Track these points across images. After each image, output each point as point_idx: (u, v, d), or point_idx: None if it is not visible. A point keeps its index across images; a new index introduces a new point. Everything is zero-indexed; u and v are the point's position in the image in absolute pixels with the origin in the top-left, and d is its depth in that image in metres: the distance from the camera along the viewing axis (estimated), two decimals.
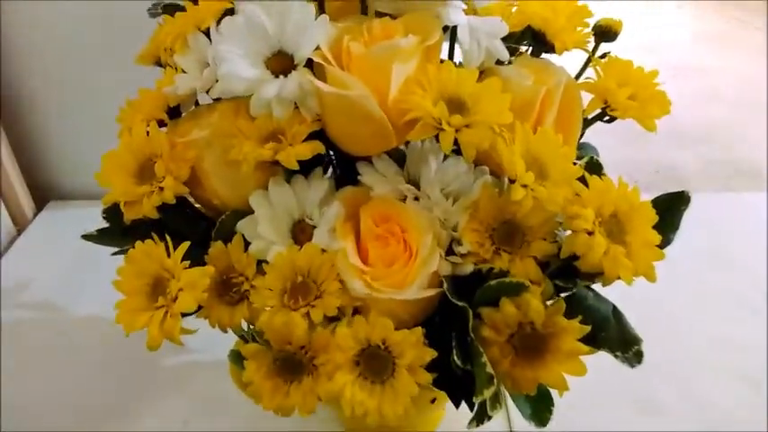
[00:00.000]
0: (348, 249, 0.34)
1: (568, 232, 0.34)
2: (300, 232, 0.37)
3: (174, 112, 0.40)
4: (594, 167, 0.37)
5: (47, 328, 0.66)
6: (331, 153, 0.39)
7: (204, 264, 0.37)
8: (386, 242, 0.34)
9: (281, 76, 0.35)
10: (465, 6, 0.36)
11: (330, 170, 0.41)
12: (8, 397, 0.58)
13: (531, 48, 0.41)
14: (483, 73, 0.36)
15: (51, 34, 0.76)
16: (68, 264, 0.74)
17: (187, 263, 0.33)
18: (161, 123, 0.40)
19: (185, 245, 0.34)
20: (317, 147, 0.35)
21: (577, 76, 0.41)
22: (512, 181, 0.33)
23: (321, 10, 0.36)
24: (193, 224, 0.39)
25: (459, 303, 0.32)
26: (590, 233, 0.33)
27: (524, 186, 0.33)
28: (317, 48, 0.34)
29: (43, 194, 0.86)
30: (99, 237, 0.39)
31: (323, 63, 0.33)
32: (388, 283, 0.32)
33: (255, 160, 0.34)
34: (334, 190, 0.37)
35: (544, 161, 0.34)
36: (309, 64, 0.35)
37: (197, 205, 0.40)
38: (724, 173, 1.15)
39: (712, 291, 0.68)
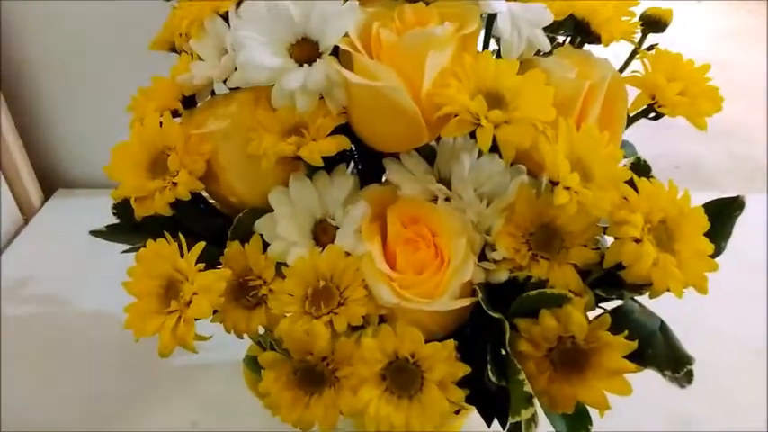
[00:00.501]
0: (374, 253, 0.31)
1: (611, 238, 0.32)
2: (323, 233, 0.34)
3: (190, 102, 0.37)
4: (642, 169, 0.34)
5: (53, 322, 0.64)
6: (353, 148, 0.37)
7: (220, 264, 0.34)
8: (415, 246, 0.32)
9: (306, 65, 0.32)
10: None
11: (352, 166, 0.39)
12: (10, 395, 0.56)
13: (570, 38, 0.38)
14: (522, 64, 0.33)
15: (59, 21, 0.73)
16: (77, 254, 0.72)
17: (202, 265, 0.31)
18: (175, 114, 0.37)
19: (200, 245, 0.31)
20: (343, 142, 0.32)
21: (622, 69, 0.38)
22: (554, 183, 0.31)
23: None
24: (209, 222, 0.37)
25: (495, 315, 0.29)
26: (638, 241, 0.30)
27: (568, 189, 0.30)
28: (345, 35, 0.32)
29: (51, 183, 0.84)
30: (108, 233, 0.37)
31: (351, 51, 0.31)
32: (417, 291, 0.30)
33: (276, 156, 0.32)
34: (358, 188, 0.35)
35: (588, 162, 0.32)
36: (335, 52, 0.33)
37: (212, 201, 0.38)
38: (746, 168, 1.11)
39: (745, 295, 0.65)
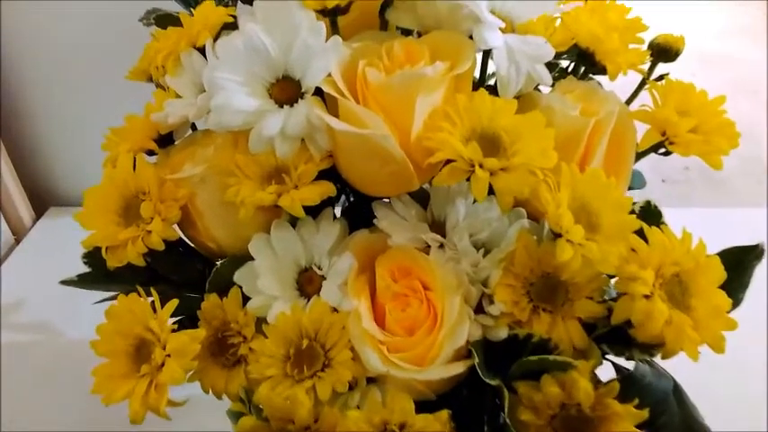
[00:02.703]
0: (362, 311, 0.29)
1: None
2: (308, 282, 0.32)
3: (167, 139, 0.35)
4: (652, 214, 0.31)
5: (45, 349, 0.62)
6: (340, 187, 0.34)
7: (197, 313, 0.32)
8: (405, 302, 0.29)
9: (286, 106, 0.30)
10: (502, 24, 0.30)
11: (342, 200, 0.36)
12: (4, 425, 0.54)
13: (574, 64, 0.36)
14: (521, 100, 0.31)
15: (49, 39, 0.72)
16: (69, 274, 0.70)
17: (175, 325, 0.29)
18: (151, 153, 0.35)
19: (172, 304, 0.29)
20: (327, 189, 0.30)
21: (629, 101, 0.36)
22: (556, 234, 0.28)
23: (333, 28, 0.31)
24: (186, 268, 0.35)
25: (493, 383, 0.27)
26: (648, 296, 0.28)
27: (570, 241, 0.28)
28: (328, 75, 0.29)
29: (42, 201, 0.82)
30: (80, 282, 0.35)
31: (335, 95, 0.28)
32: (408, 356, 0.28)
33: (254, 206, 0.29)
34: (346, 233, 0.32)
35: (594, 209, 0.29)
36: (320, 91, 0.30)
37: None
38: (758, 169, 1.08)
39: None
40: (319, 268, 0.32)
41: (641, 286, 0.27)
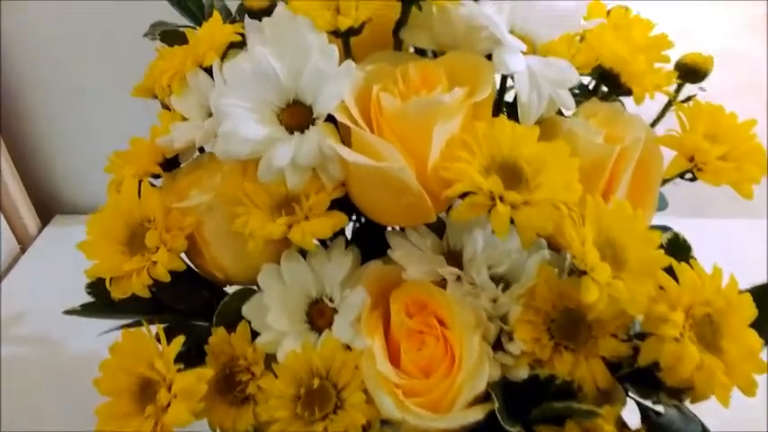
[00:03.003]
0: (376, 350, 0.28)
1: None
2: (319, 315, 0.31)
3: (172, 162, 0.34)
4: (680, 249, 0.30)
5: (48, 363, 0.61)
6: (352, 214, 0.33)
7: (203, 345, 0.31)
8: (421, 340, 0.28)
9: (297, 133, 0.28)
10: (524, 47, 0.29)
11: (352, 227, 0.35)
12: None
13: (596, 83, 0.34)
14: (542, 125, 0.29)
15: (53, 45, 0.70)
16: (76, 283, 0.69)
17: (181, 365, 0.28)
18: (156, 175, 0.34)
19: (178, 341, 0.28)
20: (340, 221, 0.29)
21: (654, 123, 0.34)
22: (581, 271, 0.27)
23: (346, 49, 0.30)
24: (192, 296, 0.33)
25: (514, 430, 0.26)
26: (678, 338, 0.26)
27: (595, 279, 0.26)
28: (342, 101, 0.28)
29: (48, 209, 0.81)
30: (84, 311, 0.34)
31: (349, 124, 0.27)
32: (425, 402, 0.26)
33: (264, 238, 0.28)
34: (358, 263, 0.31)
35: (620, 244, 0.28)
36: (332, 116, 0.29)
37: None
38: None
39: None
40: (330, 300, 0.31)
41: (671, 328, 0.26)
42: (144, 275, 0.30)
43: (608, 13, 0.36)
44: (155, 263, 0.30)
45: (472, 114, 0.28)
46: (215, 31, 0.33)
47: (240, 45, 0.33)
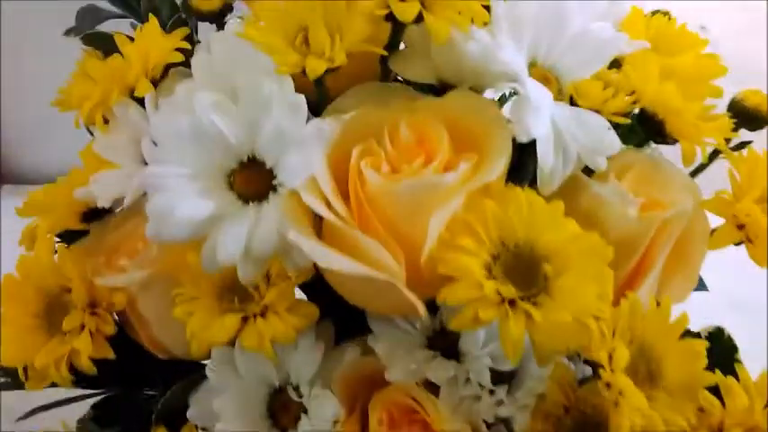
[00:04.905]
0: None
1: None
2: (282, 409, 0.25)
3: (98, 211, 0.27)
4: (724, 349, 0.25)
5: None
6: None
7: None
8: None
9: (254, 204, 0.22)
10: (549, 97, 0.22)
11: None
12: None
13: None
14: (563, 187, 0.23)
15: None
16: None
17: None
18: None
19: None
20: (308, 316, 0.23)
21: (695, 173, 0.28)
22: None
23: (318, 87, 0.23)
24: (132, 371, 0.28)
25: None
26: None
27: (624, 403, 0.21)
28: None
29: None
30: (4, 387, 0.28)
31: (321, 214, 0.20)
32: None
33: (208, 343, 0.22)
34: (331, 342, 0.25)
35: (657, 355, 0.23)
36: None
37: None
38: None
39: None
40: (296, 389, 0.25)
41: None
42: (63, 368, 0.24)
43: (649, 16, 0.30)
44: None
45: (481, 190, 0.22)
46: (150, 46, 0.25)
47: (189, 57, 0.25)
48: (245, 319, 0.23)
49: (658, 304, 0.23)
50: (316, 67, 0.21)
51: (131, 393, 0.29)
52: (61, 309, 0.25)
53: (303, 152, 0.20)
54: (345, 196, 0.22)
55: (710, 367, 0.22)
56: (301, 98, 0.21)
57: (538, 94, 0.21)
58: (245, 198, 0.22)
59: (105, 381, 0.27)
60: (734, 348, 0.25)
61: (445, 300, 0.21)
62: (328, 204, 0.21)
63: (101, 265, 0.25)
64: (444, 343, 0.25)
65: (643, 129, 0.26)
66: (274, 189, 0.22)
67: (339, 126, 0.22)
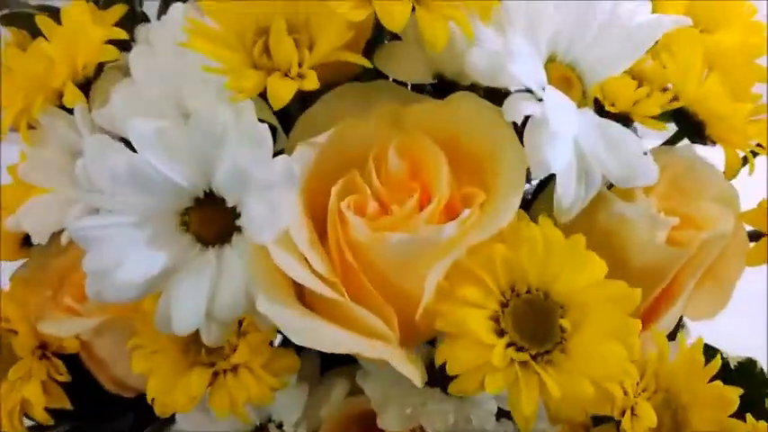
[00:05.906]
0: None
1: None
2: None
3: None
4: (755, 383, 0.22)
5: None
6: None
7: None
8: None
9: (214, 248, 0.18)
10: (573, 108, 0.18)
11: None
12: None
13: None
14: None
15: None
16: None
17: None
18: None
19: None
20: (288, 369, 0.20)
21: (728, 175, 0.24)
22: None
23: (297, 107, 0.18)
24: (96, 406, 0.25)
25: None
26: None
27: None
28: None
29: None
30: None
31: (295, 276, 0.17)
32: None
33: (172, 408, 0.19)
34: (317, 379, 0.23)
35: (683, 403, 0.20)
36: None
37: None
38: None
39: None
40: (279, 428, 0.23)
41: None
42: (16, 420, 0.21)
43: None
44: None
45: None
46: (80, 35, 0.20)
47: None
48: (215, 375, 0.20)
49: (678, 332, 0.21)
50: (280, 91, 0.16)
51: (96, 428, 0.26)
52: (9, 353, 0.22)
53: (269, 199, 0.17)
54: (323, 235, 0.18)
55: (740, 406, 0.20)
56: (264, 128, 0.17)
57: (558, 113, 0.17)
58: (204, 241, 0.18)
59: (65, 416, 0.25)
60: (765, 382, 0.22)
61: (445, 362, 0.18)
62: (304, 260, 0.17)
63: (47, 301, 0.22)
64: (444, 377, 0.23)
65: (679, 126, 0.22)
66: (238, 229, 0.18)
67: (313, 153, 0.18)
